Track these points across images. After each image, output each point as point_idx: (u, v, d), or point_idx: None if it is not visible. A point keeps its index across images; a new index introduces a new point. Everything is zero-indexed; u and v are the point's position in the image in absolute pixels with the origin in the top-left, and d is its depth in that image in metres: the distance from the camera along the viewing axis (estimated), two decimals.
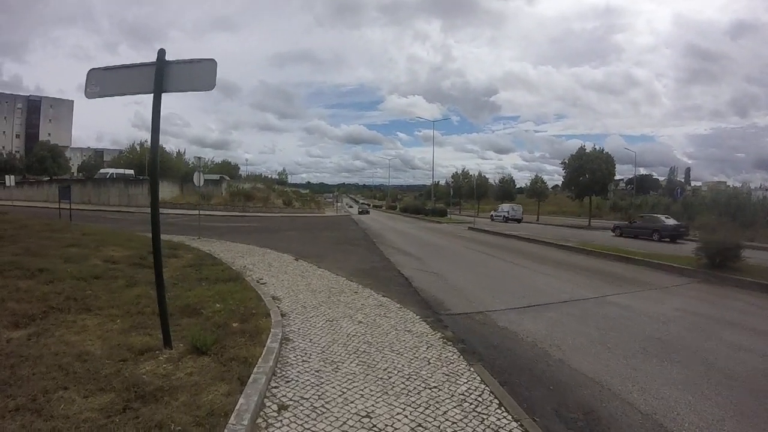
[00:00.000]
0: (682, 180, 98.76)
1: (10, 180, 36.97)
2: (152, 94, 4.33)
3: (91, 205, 41.30)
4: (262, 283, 8.41)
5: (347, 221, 39.21)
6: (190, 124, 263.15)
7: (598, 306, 8.08)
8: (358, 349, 5.01)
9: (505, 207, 47.60)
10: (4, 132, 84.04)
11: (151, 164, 4.68)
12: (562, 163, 41.77)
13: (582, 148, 40.92)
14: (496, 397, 3.98)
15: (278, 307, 6.61)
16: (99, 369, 3.81)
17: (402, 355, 4.92)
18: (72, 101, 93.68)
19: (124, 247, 11.55)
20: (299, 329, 5.66)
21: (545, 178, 59.00)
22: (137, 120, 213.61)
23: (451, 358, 4.91)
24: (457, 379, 4.32)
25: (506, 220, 43.34)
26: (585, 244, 18.04)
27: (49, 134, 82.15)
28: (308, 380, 4.08)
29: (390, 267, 12.06)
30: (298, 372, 4.26)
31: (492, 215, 47.29)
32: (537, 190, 51.53)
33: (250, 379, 3.74)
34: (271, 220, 33.63)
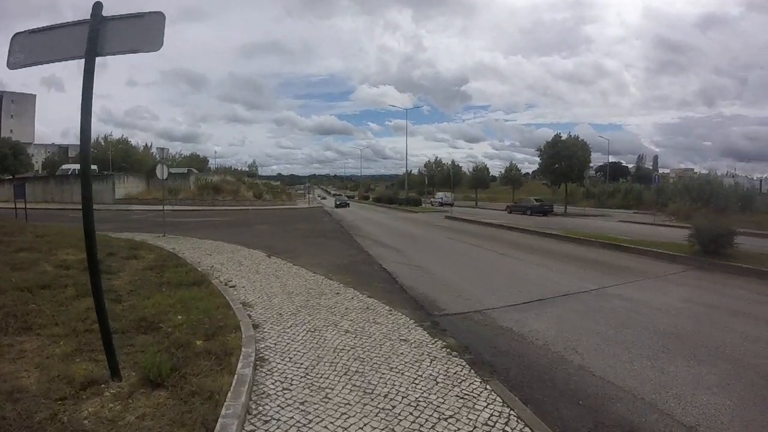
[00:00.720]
0: (650, 167, 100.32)
1: None
2: (84, 60, 3.42)
3: (54, 204, 39.30)
4: (231, 286, 7.52)
5: (321, 213, 38.06)
6: (158, 117, 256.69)
7: (601, 299, 7.49)
8: (349, 369, 4.17)
9: (439, 194, 58.70)
10: None
11: (81, 151, 3.73)
12: (537, 150, 41.78)
13: (558, 136, 40.90)
14: (526, 425, 3.24)
15: (250, 315, 5.74)
16: (33, 412, 2.99)
17: (403, 373, 4.10)
18: (34, 95, 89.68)
19: (80, 248, 10.48)
20: (276, 344, 4.78)
21: (518, 165, 59.64)
22: (103, 113, 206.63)
23: (461, 373, 4.13)
24: (474, 403, 3.55)
25: (441, 204, 51.76)
26: (569, 231, 17.59)
27: (11, 130, 77.84)
28: (292, 418, 3.23)
29: (370, 261, 11.26)
30: (279, 406, 3.40)
31: (431, 201, 57.37)
32: (512, 178, 51.35)
33: (218, 425, 2.89)
34: (241, 214, 32.31)
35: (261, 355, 4.40)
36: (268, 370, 4.05)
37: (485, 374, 4.15)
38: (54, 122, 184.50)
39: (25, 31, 3.76)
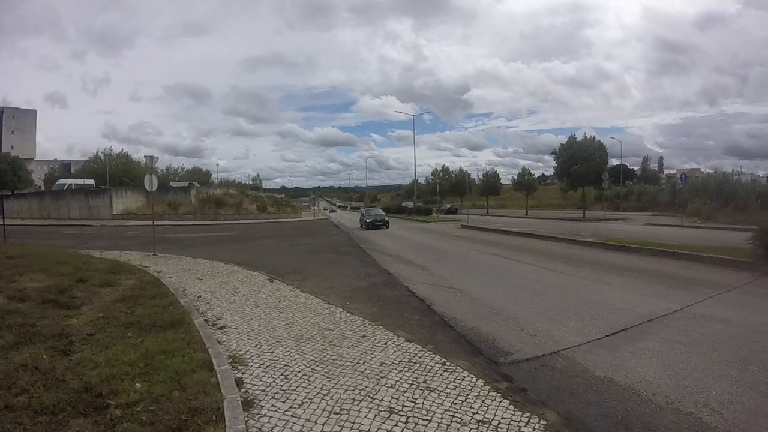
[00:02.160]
0: (656, 169, 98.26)
1: None
2: None
3: (50, 220, 37.84)
4: (219, 328, 5.69)
5: (327, 225, 36.14)
6: (162, 132, 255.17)
7: (694, 323, 5.79)
8: None
9: (446, 205, 61.62)
10: None
11: None
12: (552, 153, 39.77)
13: (572, 137, 38.96)
14: None
15: (240, 382, 3.90)
16: None
17: None
18: (35, 111, 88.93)
19: (49, 273, 9.08)
20: None
21: (519, 172, 57.79)
22: (107, 130, 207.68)
23: None
24: None
25: (447, 212, 54.04)
26: (607, 238, 15.60)
27: (12, 146, 76.79)
28: None
29: (394, 283, 9.40)
30: None
31: (441, 209, 57.97)
32: (525, 183, 48.84)
33: None
34: (244, 228, 30.49)
35: None
36: None
37: None
38: (58, 138, 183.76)
39: None
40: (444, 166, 65.10)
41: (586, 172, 36.93)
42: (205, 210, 41.87)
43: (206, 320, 5.95)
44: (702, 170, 75.17)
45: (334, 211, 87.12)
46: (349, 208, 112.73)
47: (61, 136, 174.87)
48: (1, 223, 16.64)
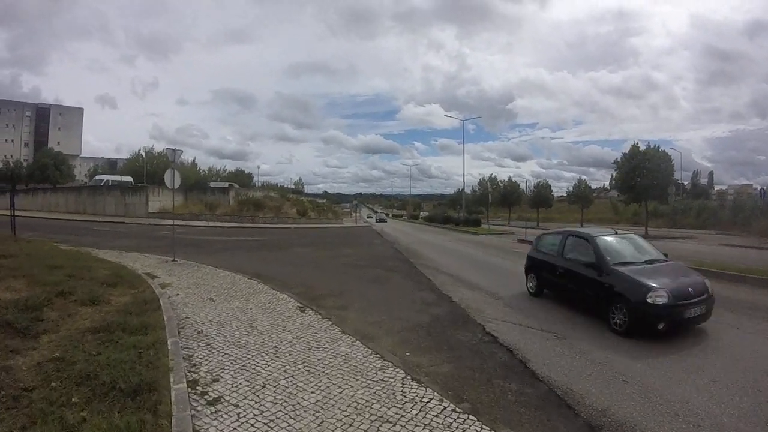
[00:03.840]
0: (705, 184, 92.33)
1: None
2: None
3: (85, 215, 37.16)
4: (209, 402, 3.55)
5: (369, 233, 33.88)
6: (208, 135, 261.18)
7: None
8: None
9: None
10: (12, 140, 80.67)
11: None
12: (613, 163, 36.42)
13: (636, 146, 35.69)
14: None
15: None
16: None
17: None
18: (82, 109, 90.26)
19: (32, 280, 7.34)
20: None
21: (562, 185, 53.85)
22: (155, 131, 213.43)
23: None
24: None
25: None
26: (701, 263, 12.67)
27: (59, 142, 78.48)
28: None
29: (462, 317, 7.10)
30: None
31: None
32: (581, 195, 45.12)
33: None
34: (281, 233, 28.56)
35: None
36: None
37: None
38: (108, 138, 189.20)
39: None
40: (492, 175, 61.57)
41: (650, 184, 33.67)
42: (243, 212, 40.30)
43: (193, 383, 3.84)
44: (755, 186, 70.14)
45: (384, 221, 67.75)
46: (390, 215, 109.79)
47: (111, 136, 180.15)
48: (14, 217, 15.33)
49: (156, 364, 4.05)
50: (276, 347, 4.97)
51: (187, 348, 4.76)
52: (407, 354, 5.15)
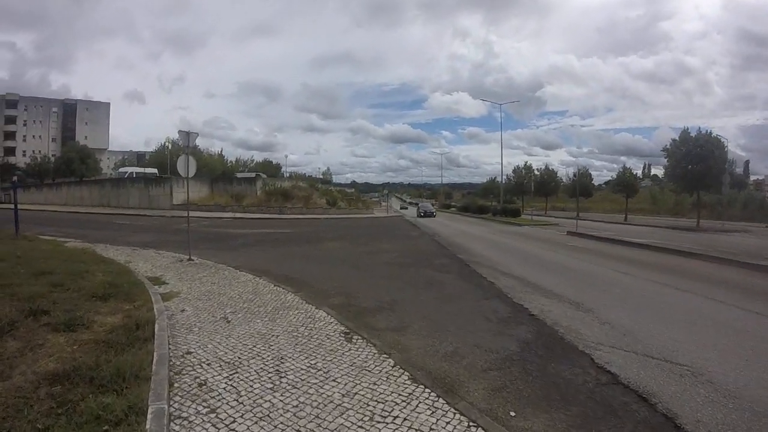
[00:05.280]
0: (741, 173, 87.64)
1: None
2: None
3: (108, 208, 36.39)
4: None
5: (403, 223, 32.02)
6: (235, 127, 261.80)
7: None
8: None
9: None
10: (40, 136, 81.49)
11: None
12: (663, 150, 33.70)
13: (686, 131, 32.94)
14: None
15: None
16: None
17: None
18: (108, 104, 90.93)
19: (7, 292, 6.03)
20: None
21: (593, 174, 50.56)
22: (183, 124, 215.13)
23: None
24: None
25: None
26: None
27: (86, 137, 79.09)
28: None
29: (557, 342, 5.30)
30: None
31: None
32: (626, 184, 41.53)
33: None
34: (310, 224, 27.01)
35: None
36: None
37: None
38: (136, 132, 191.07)
39: None
40: (527, 163, 58.34)
41: (704, 172, 30.97)
42: (271, 203, 38.86)
43: None
44: None
45: (432, 214, 48.82)
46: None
47: (140, 130, 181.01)
48: (17, 212, 14.05)
49: None
50: (318, 418, 3.19)
51: (178, 418, 3.04)
52: (512, 414, 3.41)
